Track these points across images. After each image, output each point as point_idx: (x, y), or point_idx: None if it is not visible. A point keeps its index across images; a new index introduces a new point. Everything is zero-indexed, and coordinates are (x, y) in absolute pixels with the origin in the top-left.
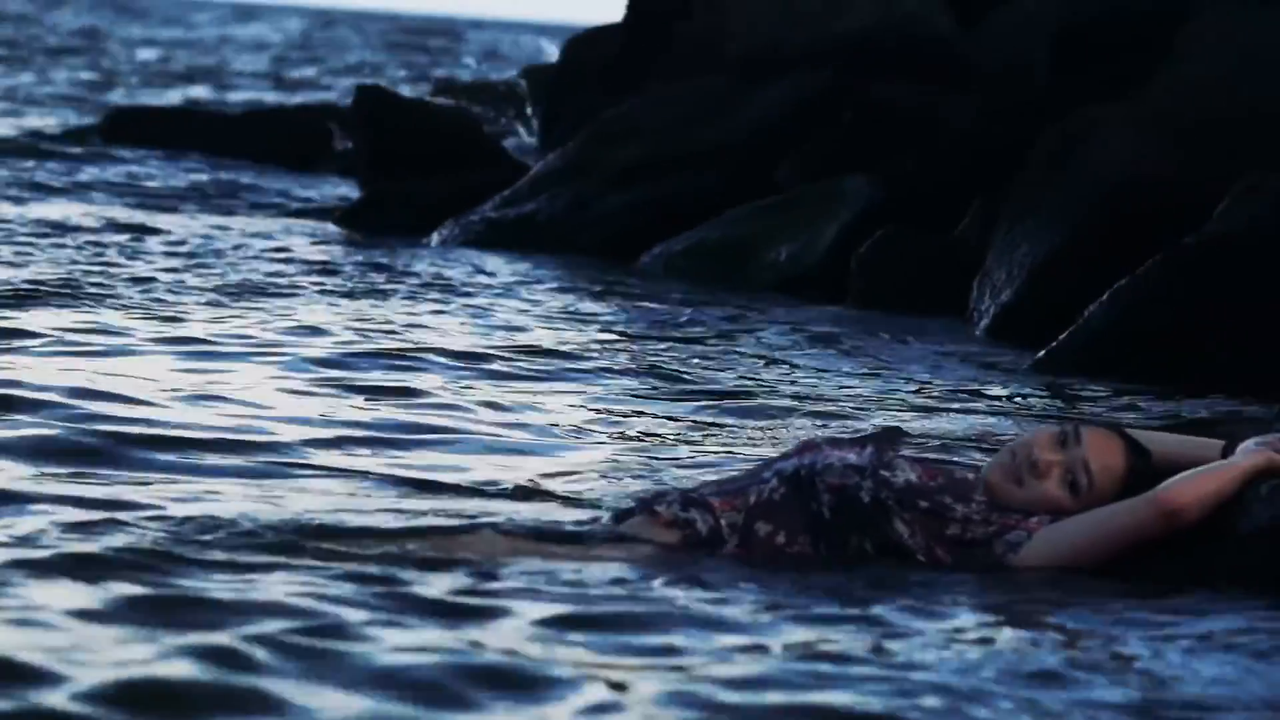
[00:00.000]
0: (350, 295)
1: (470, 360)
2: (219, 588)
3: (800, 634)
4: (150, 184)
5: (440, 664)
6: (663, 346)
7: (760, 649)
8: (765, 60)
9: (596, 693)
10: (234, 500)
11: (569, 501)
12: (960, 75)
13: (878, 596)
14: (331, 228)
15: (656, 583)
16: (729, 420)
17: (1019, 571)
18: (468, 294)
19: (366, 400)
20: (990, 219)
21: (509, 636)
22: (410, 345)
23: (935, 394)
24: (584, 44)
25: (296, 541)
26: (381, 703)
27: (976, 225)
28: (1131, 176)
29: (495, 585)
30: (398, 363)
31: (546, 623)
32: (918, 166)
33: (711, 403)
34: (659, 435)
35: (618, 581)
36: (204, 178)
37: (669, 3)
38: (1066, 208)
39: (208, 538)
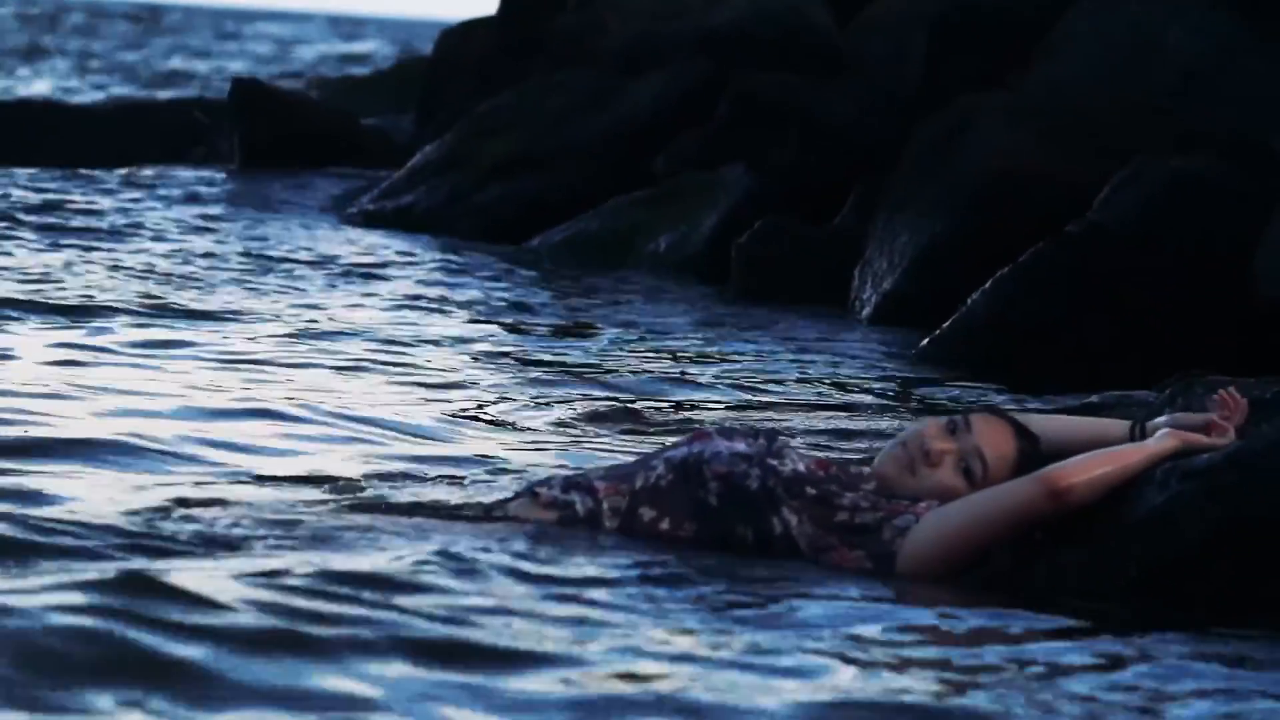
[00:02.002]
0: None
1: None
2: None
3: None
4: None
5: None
6: (540, 330)
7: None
8: (641, 53)
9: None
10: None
11: (452, 484)
12: (838, 67)
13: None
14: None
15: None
16: (605, 406)
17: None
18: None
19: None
20: (869, 208)
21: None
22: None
23: (818, 382)
24: (458, 37)
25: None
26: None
27: (855, 215)
28: (1009, 166)
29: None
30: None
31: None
32: (796, 157)
33: (588, 390)
34: (538, 421)
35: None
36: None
37: None
38: (946, 197)
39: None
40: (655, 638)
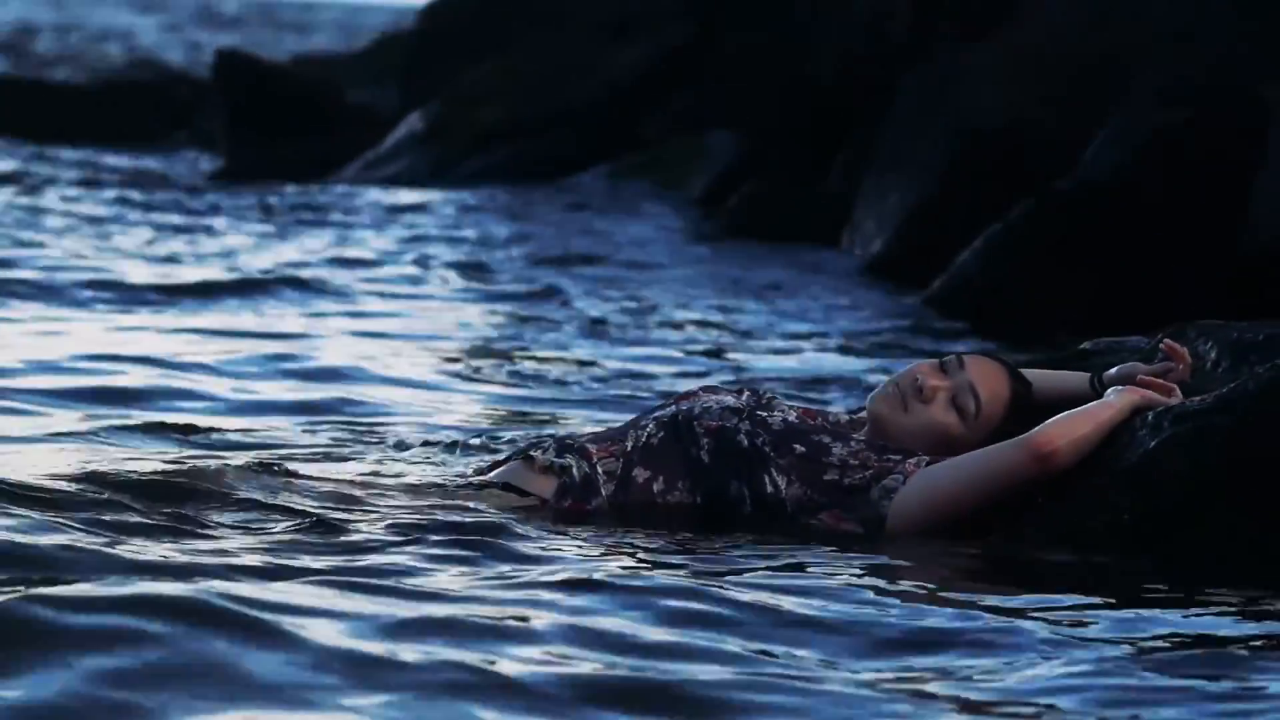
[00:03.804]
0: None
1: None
2: None
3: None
4: None
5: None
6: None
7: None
8: (625, 17)
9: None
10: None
11: (452, 447)
12: (822, 27)
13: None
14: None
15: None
16: (606, 356)
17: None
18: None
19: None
20: (857, 170)
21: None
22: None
23: (810, 335)
24: (442, 9)
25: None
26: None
27: (843, 177)
28: (996, 121)
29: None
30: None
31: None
32: (782, 119)
33: (590, 339)
34: (535, 372)
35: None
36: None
37: None
38: (933, 156)
39: None
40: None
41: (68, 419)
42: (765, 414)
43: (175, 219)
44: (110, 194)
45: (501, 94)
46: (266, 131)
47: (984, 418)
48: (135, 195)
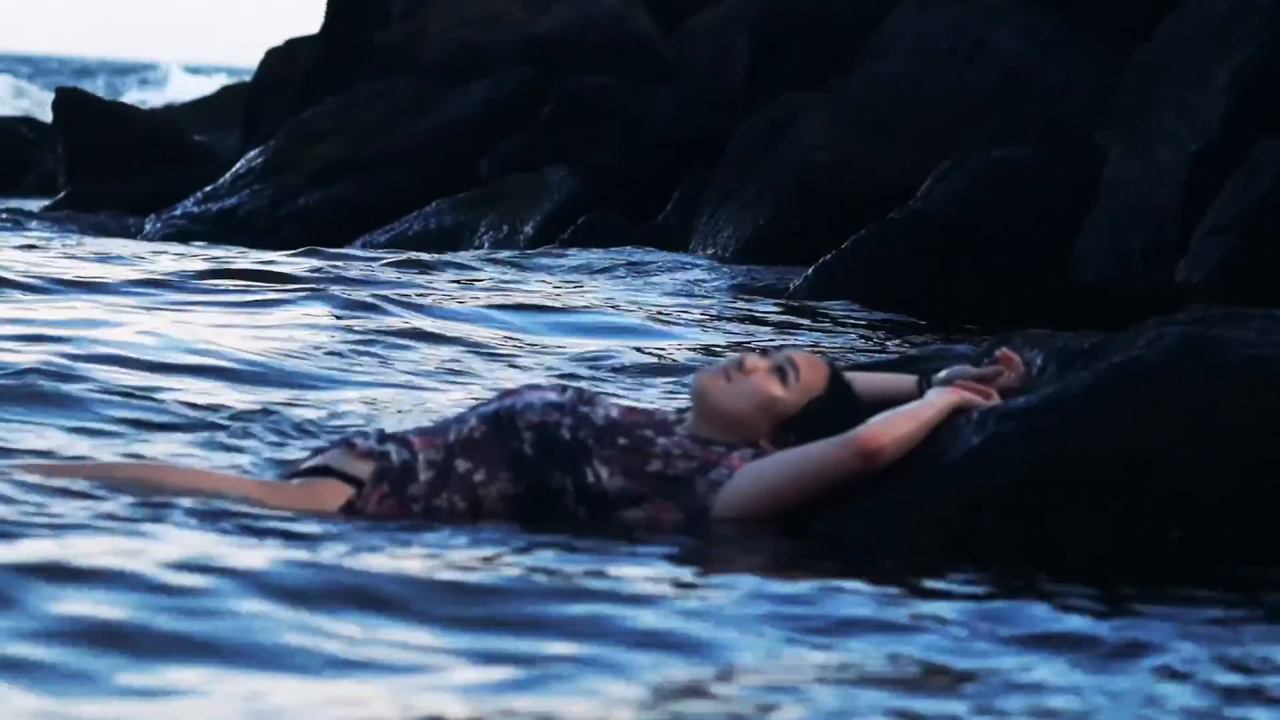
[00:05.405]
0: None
1: None
2: None
3: None
4: None
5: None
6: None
7: None
8: (465, 61)
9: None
10: None
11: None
12: (662, 73)
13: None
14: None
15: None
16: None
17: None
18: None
19: None
20: (692, 205)
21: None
22: None
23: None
24: (282, 55)
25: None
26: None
27: (679, 212)
28: (830, 159)
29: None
30: None
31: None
32: (620, 158)
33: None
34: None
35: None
36: None
37: (366, 9)
38: (768, 191)
39: None
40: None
41: None
42: (588, 409)
43: None
44: None
45: (340, 132)
46: (107, 168)
47: (803, 382)
48: None
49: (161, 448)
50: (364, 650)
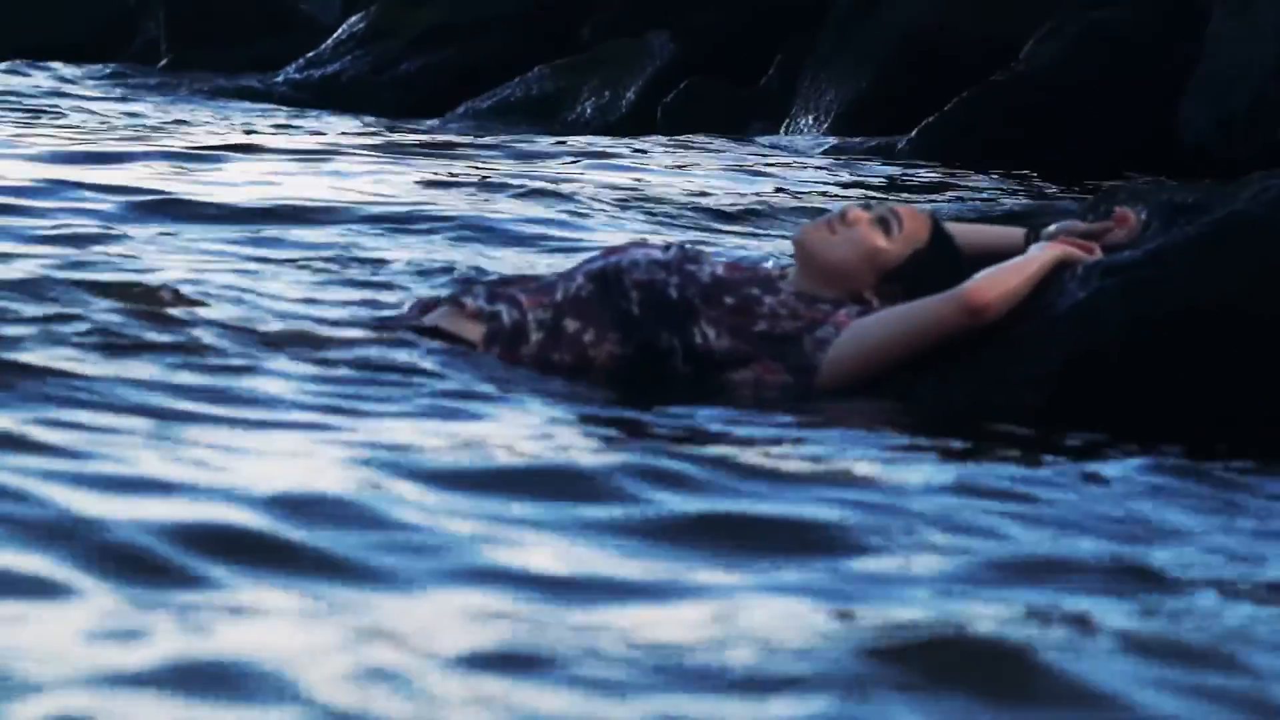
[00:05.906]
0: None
1: None
2: None
3: None
4: None
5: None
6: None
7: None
8: None
9: None
10: None
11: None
12: None
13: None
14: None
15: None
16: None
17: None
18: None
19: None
20: (794, 69)
21: None
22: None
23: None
24: None
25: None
26: None
27: (780, 77)
28: (933, 21)
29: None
30: None
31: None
32: (722, 21)
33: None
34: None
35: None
36: None
37: None
38: (871, 53)
39: None
40: None
41: None
42: (694, 267)
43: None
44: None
45: None
46: (210, 35)
47: (906, 233)
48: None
49: None
50: None
